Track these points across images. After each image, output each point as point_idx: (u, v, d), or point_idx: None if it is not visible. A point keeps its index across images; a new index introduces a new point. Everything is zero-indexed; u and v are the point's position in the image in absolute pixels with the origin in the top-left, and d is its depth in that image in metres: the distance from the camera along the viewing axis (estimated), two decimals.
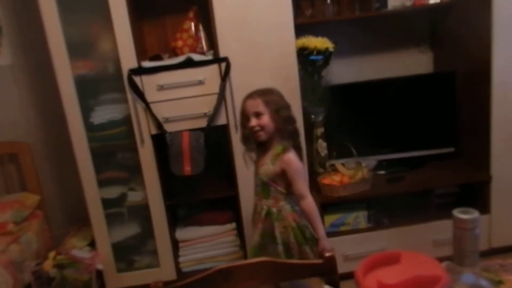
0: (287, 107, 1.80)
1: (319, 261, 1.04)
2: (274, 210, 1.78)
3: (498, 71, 2.23)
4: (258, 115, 1.74)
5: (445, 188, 2.51)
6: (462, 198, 2.52)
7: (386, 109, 2.60)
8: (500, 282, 0.86)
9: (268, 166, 1.77)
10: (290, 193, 1.78)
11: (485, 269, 0.90)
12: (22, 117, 2.71)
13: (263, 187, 1.81)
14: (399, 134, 2.62)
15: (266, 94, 1.77)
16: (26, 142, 2.69)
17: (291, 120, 1.80)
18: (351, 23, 2.61)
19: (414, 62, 2.79)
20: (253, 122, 1.74)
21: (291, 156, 1.74)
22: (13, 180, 2.74)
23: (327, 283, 1.02)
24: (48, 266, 2.26)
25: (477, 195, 2.46)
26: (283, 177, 1.76)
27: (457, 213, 0.64)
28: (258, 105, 1.75)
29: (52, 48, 2.16)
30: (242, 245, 2.50)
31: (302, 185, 1.74)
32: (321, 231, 1.73)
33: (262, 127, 1.74)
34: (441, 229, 2.33)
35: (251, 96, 1.78)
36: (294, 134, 1.80)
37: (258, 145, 1.84)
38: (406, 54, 2.80)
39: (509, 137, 2.32)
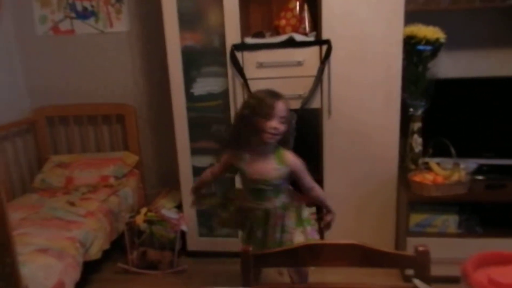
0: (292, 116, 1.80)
1: (412, 254, 1.01)
2: (287, 202, 1.80)
3: None
4: (282, 119, 1.68)
5: None
6: None
7: (493, 109, 2.39)
8: None
9: (279, 169, 1.73)
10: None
11: None
12: (131, 81, 2.93)
13: (275, 190, 1.76)
14: (505, 138, 2.40)
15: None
16: (133, 105, 2.92)
17: (295, 129, 1.83)
18: (468, 13, 2.42)
19: None
20: (276, 124, 1.66)
21: (293, 156, 1.76)
22: (118, 139, 2.99)
23: (417, 276, 0.99)
24: (139, 220, 2.47)
25: None
26: (291, 177, 1.78)
27: None
28: (287, 110, 1.70)
29: (166, 19, 2.30)
30: (321, 230, 2.49)
31: (309, 179, 1.80)
32: (331, 208, 1.85)
33: (279, 133, 1.68)
34: None
35: (282, 98, 1.71)
36: (290, 140, 1.81)
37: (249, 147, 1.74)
38: None
39: None
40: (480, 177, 2.39)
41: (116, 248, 2.54)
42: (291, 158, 1.75)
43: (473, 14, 2.43)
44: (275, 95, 1.71)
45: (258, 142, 1.70)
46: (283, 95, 1.73)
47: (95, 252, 2.27)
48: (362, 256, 1.03)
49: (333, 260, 1.05)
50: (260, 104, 1.66)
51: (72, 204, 2.47)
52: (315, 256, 1.05)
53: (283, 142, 1.76)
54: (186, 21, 2.33)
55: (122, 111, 2.91)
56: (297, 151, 2.31)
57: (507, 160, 2.39)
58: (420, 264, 0.99)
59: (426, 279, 0.98)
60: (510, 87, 2.37)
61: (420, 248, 1.00)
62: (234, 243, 2.55)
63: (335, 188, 2.35)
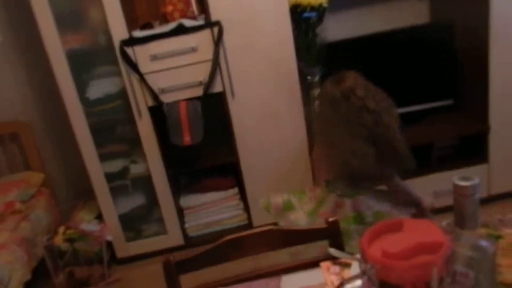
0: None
1: (323, 226, 1.07)
2: None
3: (496, 19, 2.18)
4: None
5: (445, 140, 2.53)
6: (462, 149, 2.55)
7: (384, 63, 2.55)
8: (499, 236, 0.89)
9: None
10: None
11: (485, 225, 0.93)
12: (18, 95, 2.69)
13: None
14: (397, 88, 2.56)
15: None
16: (25, 121, 2.68)
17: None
18: None
19: (411, 12, 2.71)
20: None
21: None
22: (16, 159, 2.75)
23: (332, 246, 1.05)
24: (59, 240, 2.32)
25: (476, 145, 2.48)
26: None
27: (457, 180, 0.65)
28: None
29: (40, 23, 2.11)
30: (246, 208, 2.55)
31: None
32: None
33: None
34: (442, 180, 2.36)
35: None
36: None
37: None
38: (404, 3, 2.72)
39: (506, 88, 2.30)
40: None
41: (40, 275, 2.37)
42: None
43: None
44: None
45: None
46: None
47: (15, 287, 2.11)
48: (280, 238, 1.07)
49: (254, 249, 1.07)
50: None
51: None
52: (237, 248, 1.07)
53: None
54: (65, 23, 2.16)
55: (15, 129, 2.67)
56: (209, 137, 2.33)
57: (404, 108, 2.59)
58: (332, 234, 1.06)
59: (340, 247, 1.05)
60: (394, 40, 2.55)
61: (330, 219, 1.07)
62: (163, 240, 2.53)
63: (251, 169, 2.39)
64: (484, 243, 0.69)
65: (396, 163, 1.44)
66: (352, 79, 1.47)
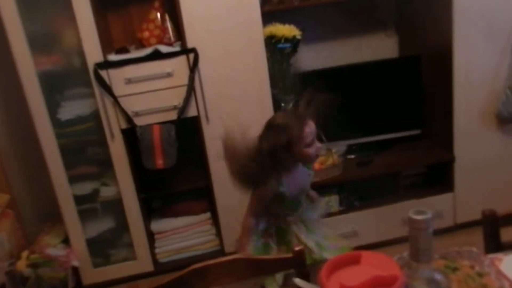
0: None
1: (289, 255, 1.08)
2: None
3: (459, 54, 2.30)
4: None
5: (412, 169, 2.61)
6: (428, 178, 2.62)
7: (354, 94, 2.64)
8: (456, 268, 0.92)
9: (311, 173, 1.77)
10: None
11: (443, 257, 0.96)
12: None
13: (305, 198, 1.77)
14: (367, 118, 2.68)
15: None
16: None
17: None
18: (318, 8, 2.63)
19: (381, 46, 2.84)
20: (318, 144, 1.66)
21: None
22: None
23: (298, 276, 1.06)
24: (21, 266, 2.24)
25: (442, 174, 2.57)
26: None
27: (412, 214, 0.68)
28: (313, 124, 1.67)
29: (13, 44, 2.08)
30: (218, 233, 2.53)
31: None
32: None
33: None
34: (409, 208, 2.38)
35: (306, 116, 1.66)
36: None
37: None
38: (374, 38, 2.84)
39: (471, 119, 2.41)
40: (351, 156, 2.65)
41: None
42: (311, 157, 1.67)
43: (322, 9, 2.65)
44: (300, 118, 1.61)
45: (296, 163, 1.66)
46: (302, 111, 1.66)
47: None
48: (247, 268, 1.07)
49: (220, 278, 1.07)
50: (298, 134, 1.57)
51: None
52: (202, 278, 1.06)
53: None
54: (39, 44, 2.14)
55: None
56: (182, 160, 2.33)
57: (371, 137, 2.68)
58: (298, 263, 1.07)
59: (305, 276, 1.06)
60: (364, 72, 2.65)
61: (296, 248, 1.08)
62: (132, 266, 2.47)
63: (224, 193, 2.39)
64: (438, 276, 0.71)
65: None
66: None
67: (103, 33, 2.25)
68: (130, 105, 2.24)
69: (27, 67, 2.13)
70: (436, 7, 2.39)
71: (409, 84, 2.61)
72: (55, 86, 2.25)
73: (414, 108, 2.64)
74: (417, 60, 2.58)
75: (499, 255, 1.05)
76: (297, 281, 1.04)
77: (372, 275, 0.65)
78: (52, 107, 2.24)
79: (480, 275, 0.89)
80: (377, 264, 0.67)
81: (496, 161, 2.48)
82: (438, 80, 2.50)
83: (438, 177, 2.59)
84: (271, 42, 2.34)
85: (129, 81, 2.21)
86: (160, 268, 2.50)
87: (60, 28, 2.21)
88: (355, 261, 0.70)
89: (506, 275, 0.96)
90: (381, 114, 2.67)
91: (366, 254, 0.69)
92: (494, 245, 1.13)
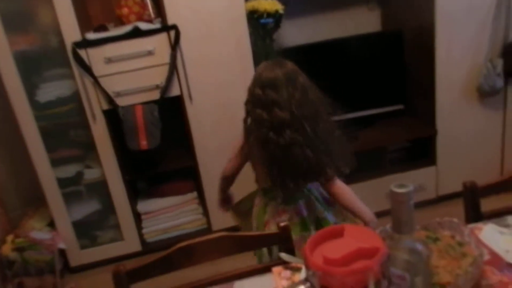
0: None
1: (275, 231, 1.09)
2: None
3: (441, 29, 2.30)
4: None
5: (396, 144, 2.64)
6: (412, 152, 2.66)
7: (337, 69, 2.63)
8: (437, 239, 0.95)
9: None
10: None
11: (424, 228, 0.98)
12: None
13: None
14: (351, 94, 2.68)
15: None
16: None
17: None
18: None
19: (363, 20, 2.82)
20: None
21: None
22: None
23: (282, 250, 1.07)
24: (7, 250, 2.22)
25: (425, 148, 2.60)
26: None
27: (393, 187, 0.69)
28: None
29: None
30: (205, 212, 2.54)
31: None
32: None
33: None
34: (394, 182, 2.45)
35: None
36: None
37: None
38: (356, 12, 2.81)
39: (452, 93, 2.44)
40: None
41: None
42: None
43: None
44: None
45: None
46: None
47: None
48: (232, 244, 1.08)
49: (206, 255, 1.08)
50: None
51: None
52: (189, 256, 1.07)
53: None
54: (13, 23, 2.07)
55: None
56: (167, 141, 2.31)
57: (356, 113, 2.68)
58: (283, 238, 1.08)
59: (290, 251, 1.07)
60: (347, 47, 2.64)
61: (282, 224, 1.09)
62: (120, 247, 2.48)
63: (210, 173, 2.38)
64: (419, 246, 0.73)
65: (332, 160, 1.38)
66: (292, 64, 1.41)
67: (80, 10, 2.19)
68: (111, 85, 2.20)
69: (2, 47, 2.06)
70: None
71: (391, 59, 2.61)
72: (32, 67, 2.19)
73: (396, 83, 2.65)
74: (399, 34, 2.57)
75: (478, 225, 1.08)
76: (283, 255, 1.06)
77: (355, 247, 0.65)
78: (30, 89, 2.19)
79: (460, 244, 0.91)
80: (359, 237, 0.68)
81: (478, 134, 2.53)
82: (420, 55, 2.51)
83: (421, 152, 2.63)
84: (253, 17, 2.30)
85: (109, 60, 2.16)
86: (147, 248, 2.51)
87: (35, 6, 2.14)
88: (338, 234, 0.70)
89: (485, 243, 0.99)
90: (364, 90, 2.67)
91: (348, 227, 0.70)
92: (474, 215, 1.16)
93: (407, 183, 0.69)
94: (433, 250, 0.88)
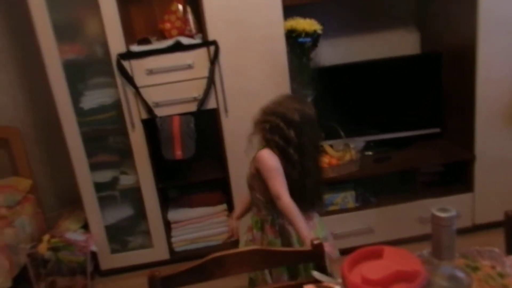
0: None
1: (308, 248, 1.09)
2: (257, 219, 1.67)
3: (482, 51, 2.26)
4: None
5: (430, 167, 2.59)
6: (446, 177, 2.60)
7: (373, 90, 2.63)
8: (476, 268, 0.92)
9: (249, 169, 1.67)
10: (271, 201, 1.59)
11: (463, 256, 0.96)
12: (11, 101, 2.70)
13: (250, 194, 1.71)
14: (386, 115, 2.67)
15: None
16: (16, 127, 2.68)
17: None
18: (339, 3, 2.61)
19: (402, 43, 2.81)
20: None
21: (264, 153, 1.58)
22: (4, 165, 2.74)
23: (316, 269, 1.07)
24: (43, 249, 2.30)
25: (461, 173, 2.54)
26: (260, 180, 1.59)
27: (436, 211, 0.69)
28: None
29: (39, 33, 2.14)
30: None
31: (276, 183, 1.53)
32: (302, 231, 1.46)
33: None
34: (426, 207, 2.40)
35: None
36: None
37: None
38: (394, 34, 2.81)
39: (492, 117, 2.38)
40: (369, 153, 2.64)
41: (21, 283, 2.34)
42: (258, 155, 1.60)
43: (343, 3, 2.63)
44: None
45: None
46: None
47: None
48: (264, 259, 1.09)
49: (238, 267, 1.09)
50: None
51: None
52: (221, 266, 1.08)
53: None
54: (64, 33, 2.19)
55: (5, 135, 2.67)
56: (201, 152, 2.35)
57: (389, 134, 2.66)
58: (317, 256, 1.08)
59: (323, 270, 1.07)
60: (384, 68, 2.63)
61: (315, 242, 1.09)
62: (149, 254, 2.52)
63: (241, 186, 2.39)
64: (460, 274, 0.72)
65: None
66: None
67: (126, 23, 2.28)
68: (151, 96, 2.27)
69: (53, 56, 2.17)
70: (460, 6, 2.35)
71: (429, 82, 2.58)
72: (78, 75, 2.29)
73: (433, 106, 2.62)
74: (438, 56, 2.55)
75: None
76: (316, 274, 1.05)
77: (394, 269, 0.65)
78: (75, 96, 2.29)
79: (502, 275, 0.89)
80: (399, 259, 0.68)
81: None
82: (459, 77, 2.47)
83: (457, 176, 2.56)
84: (291, 36, 2.34)
85: (150, 72, 2.24)
86: (175, 256, 2.54)
87: (84, 18, 2.25)
88: (378, 255, 0.70)
89: None
90: (400, 111, 2.65)
91: (388, 249, 0.70)
92: None
93: (449, 207, 0.69)
94: (473, 279, 0.86)
